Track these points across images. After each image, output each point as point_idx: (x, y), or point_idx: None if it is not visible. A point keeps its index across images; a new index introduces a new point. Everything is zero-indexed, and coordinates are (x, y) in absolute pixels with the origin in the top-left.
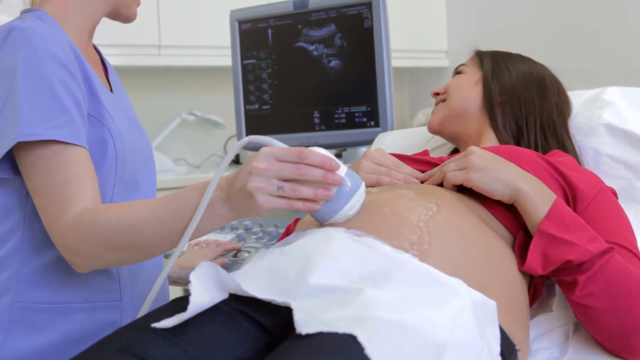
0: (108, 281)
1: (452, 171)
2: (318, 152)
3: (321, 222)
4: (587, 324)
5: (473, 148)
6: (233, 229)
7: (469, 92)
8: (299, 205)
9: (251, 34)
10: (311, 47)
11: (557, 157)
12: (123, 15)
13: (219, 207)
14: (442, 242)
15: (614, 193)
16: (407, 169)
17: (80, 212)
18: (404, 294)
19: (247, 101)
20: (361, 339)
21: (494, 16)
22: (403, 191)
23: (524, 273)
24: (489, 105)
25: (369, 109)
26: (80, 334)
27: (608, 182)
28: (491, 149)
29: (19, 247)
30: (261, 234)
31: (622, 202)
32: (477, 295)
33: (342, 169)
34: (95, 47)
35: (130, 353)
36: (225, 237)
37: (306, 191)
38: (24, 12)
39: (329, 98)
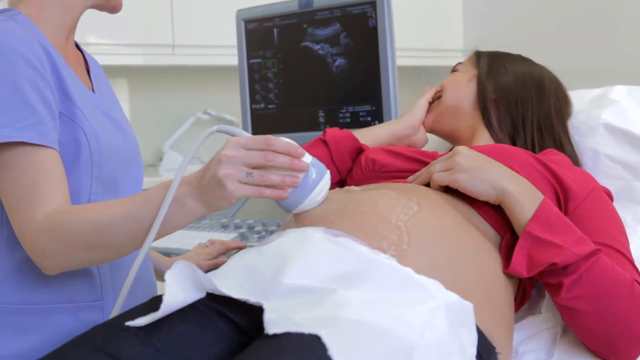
0: (89, 280)
1: (438, 172)
2: (284, 140)
3: (290, 211)
4: (573, 327)
5: (459, 148)
6: (237, 228)
7: (463, 88)
8: (268, 192)
9: (257, 33)
10: (316, 47)
11: (551, 155)
12: (107, 6)
13: (189, 202)
14: (422, 242)
15: (608, 193)
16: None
17: (51, 213)
18: (376, 294)
19: (253, 100)
20: (325, 339)
21: (510, 15)
22: (385, 190)
23: (511, 275)
24: (483, 102)
25: (374, 108)
26: (64, 335)
27: (606, 183)
28: (480, 149)
29: None
30: (264, 233)
31: (620, 202)
32: (452, 297)
33: (307, 157)
34: (78, 46)
35: (103, 351)
36: (228, 237)
37: (274, 177)
38: None
39: (334, 97)
